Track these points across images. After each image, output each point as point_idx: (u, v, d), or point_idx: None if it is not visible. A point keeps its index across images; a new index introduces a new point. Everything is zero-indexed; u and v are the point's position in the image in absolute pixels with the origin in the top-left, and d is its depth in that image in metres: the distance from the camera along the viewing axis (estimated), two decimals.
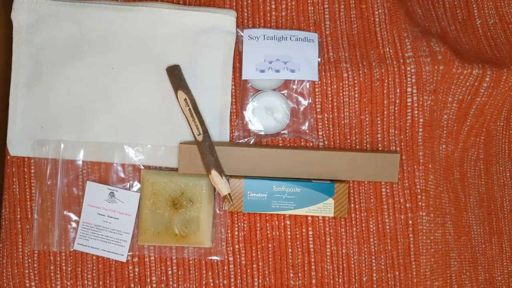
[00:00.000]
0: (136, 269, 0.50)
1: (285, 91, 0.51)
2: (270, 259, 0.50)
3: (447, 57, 0.49)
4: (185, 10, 0.49)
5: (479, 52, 0.53)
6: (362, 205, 0.50)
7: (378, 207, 0.50)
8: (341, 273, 0.50)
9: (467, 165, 0.53)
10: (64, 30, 0.49)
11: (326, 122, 0.51)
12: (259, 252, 0.50)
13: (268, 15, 0.51)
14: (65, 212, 0.49)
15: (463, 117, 0.52)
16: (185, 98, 0.47)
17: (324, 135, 0.51)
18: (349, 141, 0.51)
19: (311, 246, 0.50)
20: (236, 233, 0.50)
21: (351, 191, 0.51)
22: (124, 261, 0.49)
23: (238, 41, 0.50)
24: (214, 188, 0.49)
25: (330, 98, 0.51)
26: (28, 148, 0.49)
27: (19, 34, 0.49)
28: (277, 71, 0.49)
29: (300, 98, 0.50)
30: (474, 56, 0.53)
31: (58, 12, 0.48)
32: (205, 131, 0.47)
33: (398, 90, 0.50)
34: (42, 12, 0.48)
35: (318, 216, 0.50)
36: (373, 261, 0.50)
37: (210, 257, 0.50)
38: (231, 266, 0.50)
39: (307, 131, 0.50)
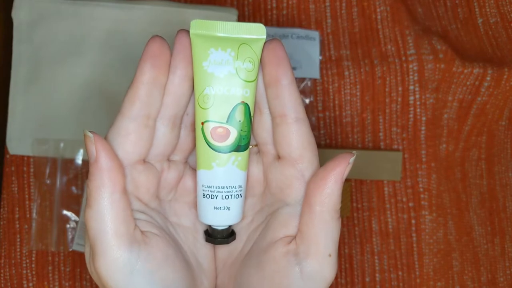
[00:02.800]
0: None
1: None
2: None
3: (448, 56, 0.49)
4: (186, 8, 0.49)
5: (480, 51, 0.53)
6: (364, 204, 0.50)
7: (381, 206, 0.50)
8: (343, 274, 0.50)
9: (468, 165, 0.53)
10: (65, 28, 0.48)
11: (328, 120, 0.51)
12: None
13: (269, 13, 0.51)
14: (64, 212, 0.49)
15: (463, 116, 0.52)
16: None
17: (325, 133, 0.51)
18: (351, 139, 0.51)
19: None
20: None
21: (353, 190, 0.50)
22: None
23: None
24: None
25: (332, 96, 0.50)
26: (28, 147, 0.48)
27: (20, 32, 0.48)
28: None
29: (301, 96, 0.50)
30: (475, 55, 0.53)
31: (59, 10, 0.48)
32: None
33: (400, 88, 0.50)
34: (42, 10, 0.48)
35: None
36: (376, 261, 0.50)
37: None
38: None
39: None
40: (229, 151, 0.27)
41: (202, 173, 0.28)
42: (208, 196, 0.28)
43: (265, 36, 0.27)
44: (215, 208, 0.28)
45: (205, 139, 0.27)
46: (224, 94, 0.27)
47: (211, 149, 0.27)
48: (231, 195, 0.28)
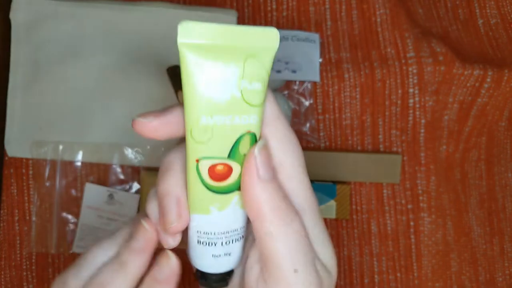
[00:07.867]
0: None
1: (286, 92, 0.50)
2: None
3: (448, 57, 0.49)
4: (185, 10, 0.49)
5: (480, 52, 0.53)
6: (363, 206, 0.50)
7: (380, 209, 0.50)
8: (342, 275, 0.50)
9: (468, 165, 0.53)
10: (63, 30, 0.48)
11: (328, 123, 0.50)
12: None
13: (269, 15, 0.51)
14: (63, 214, 0.49)
15: (464, 117, 0.52)
16: None
17: (325, 136, 0.50)
18: (350, 142, 0.50)
19: None
20: None
21: (353, 192, 0.50)
22: None
23: None
24: None
25: (332, 99, 0.50)
26: (26, 149, 0.48)
27: (18, 34, 0.48)
28: (278, 71, 0.49)
29: (302, 99, 0.50)
30: (475, 56, 0.52)
31: (57, 11, 0.48)
32: None
33: (399, 91, 0.50)
34: (41, 12, 0.48)
35: None
36: (375, 262, 0.50)
37: None
38: None
39: (308, 132, 0.50)
40: (231, 191, 0.22)
41: (197, 218, 0.22)
42: (205, 243, 0.23)
43: (278, 45, 0.21)
44: (213, 256, 0.23)
45: (200, 179, 0.21)
46: (225, 124, 0.20)
47: (208, 191, 0.21)
48: (232, 239, 0.23)
